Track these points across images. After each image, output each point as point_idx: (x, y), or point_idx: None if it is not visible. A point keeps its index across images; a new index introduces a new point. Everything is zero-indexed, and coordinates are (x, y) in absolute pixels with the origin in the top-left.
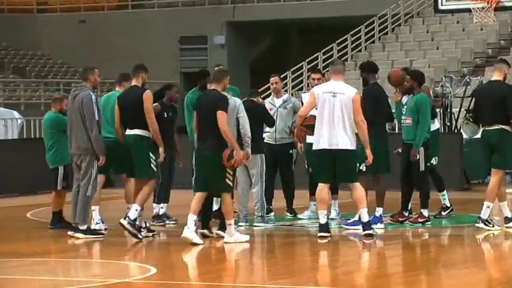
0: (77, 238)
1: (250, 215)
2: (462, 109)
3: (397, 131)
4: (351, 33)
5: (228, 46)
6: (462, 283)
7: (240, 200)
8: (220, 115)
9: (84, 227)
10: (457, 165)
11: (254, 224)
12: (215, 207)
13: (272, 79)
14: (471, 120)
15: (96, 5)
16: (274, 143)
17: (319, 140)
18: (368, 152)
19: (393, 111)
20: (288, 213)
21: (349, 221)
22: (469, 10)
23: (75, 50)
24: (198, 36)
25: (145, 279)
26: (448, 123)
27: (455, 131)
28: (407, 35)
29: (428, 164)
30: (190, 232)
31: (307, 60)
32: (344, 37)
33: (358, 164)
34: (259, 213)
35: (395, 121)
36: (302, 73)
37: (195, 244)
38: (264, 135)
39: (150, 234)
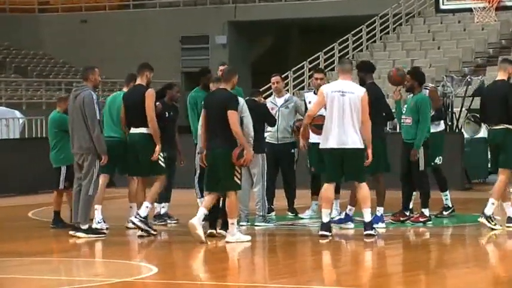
0: (78, 237)
1: (251, 214)
2: (463, 109)
3: (398, 130)
4: (352, 32)
5: (229, 46)
6: (463, 282)
7: (241, 200)
8: (232, 115)
9: (85, 227)
10: (458, 165)
11: (255, 224)
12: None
13: (273, 79)
14: (473, 120)
15: (97, 5)
16: (276, 142)
17: (328, 139)
18: (369, 151)
19: (393, 110)
20: (289, 213)
21: (335, 219)
22: (470, 10)
23: (76, 50)
24: (200, 36)
25: (146, 279)
26: (449, 123)
27: (457, 130)
28: (409, 35)
29: (432, 163)
30: (198, 222)
31: (308, 60)
32: (345, 37)
33: None
34: (261, 213)
35: (396, 120)
36: (303, 73)
37: (199, 238)
38: (266, 134)
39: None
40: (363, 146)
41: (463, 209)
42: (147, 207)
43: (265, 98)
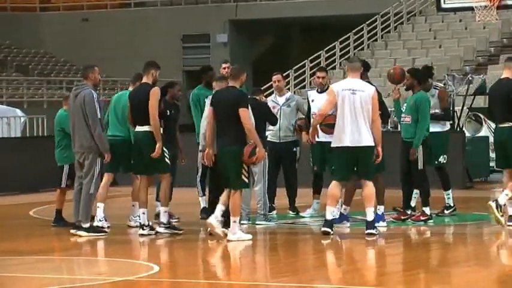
0: (80, 236)
1: (252, 213)
2: (465, 107)
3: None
4: (354, 31)
5: (230, 44)
6: (464, 281)
7: (243, 198)
8: (243, 112)
9: (87, 225)
10: (460, 164)
11: (256, 222)
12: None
13: (275, 77)
14: (475, 118)
15: (98, 3)
16: (278, 141)
17: (342, 138)
18: (379, 149)
19: (391, 109)
20: (290, 212)
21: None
22: (471, 8)
23: (77, 48)
24: (201, 35)
25: (148, 277)
26: (451, 122)
27: (458, 129)
28: (410, 34)
29: (436, 162)
30: (215, 220)
31: (309, 58)
32: (346, 35)
33: None
34: (262, 212)
35: (395, 119)
36: (304, 71)
37: (219, 236)
38: (267, 133)
39: (153, 232)
40: (374, 144)
41: (464, 207)
42: (165, 211)
43: (267, 96)
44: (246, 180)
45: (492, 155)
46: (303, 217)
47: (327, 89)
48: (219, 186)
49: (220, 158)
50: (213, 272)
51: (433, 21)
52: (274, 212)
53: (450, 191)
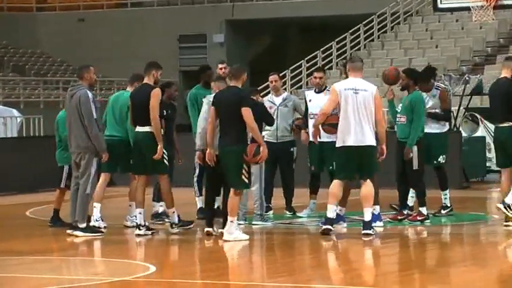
0: (76, 236)
1: (249, 213)
2: (461, 107)
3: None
4: (350, 31)
5: (227, 44)
6: (461, 281)
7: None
8: (246, 111)
9: (83, 225)
10: (456, 164)
11: (253, 223)
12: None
13: (271, 77)
14: (471, 118)
15: (95, 4)
16: (275, 141)
17: (345, 138)
18: (384, 147)
19: (386, 109)
20: (287, 212)
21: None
22: (468, 9)
23: (74, 49)
24: (197, 35)
25: (144, 278)
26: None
27: (455, 129)
28: (407, 34)
29: (435, 161)
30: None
31: (306, 58)
32: (343, 35)
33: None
34: (258, 212)
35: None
36: (301, 71)
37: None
38: (264, 133)
39: (149, 232)
40: (375, 144)
41: (461, 207)
42: (173, 212)
43: (263, 96)
44: (246, 180)
45: (489, 155)
46: (300, 217)
47: (324, 89)
48: (216, 186)
49: (221, 158)
50: (209, 272)
51: (429, 21)
52: (271, 212)
53: (447, 191)
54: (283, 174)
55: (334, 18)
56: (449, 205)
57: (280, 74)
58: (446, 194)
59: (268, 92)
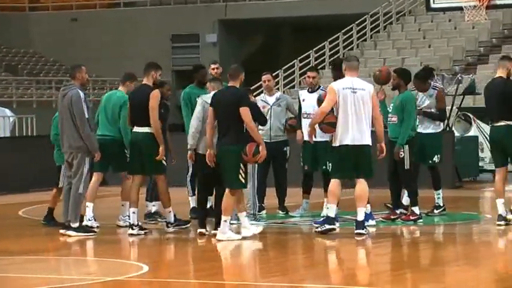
0: (69, 236)
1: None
2: (454, 107)
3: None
4: (343, 31)
5: (219, 44)
6: (454, 280)
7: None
8: (244, 111)
9: (76, 225)
10: (449, 163)
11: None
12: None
13: (264, 77)
14: (464, 118)
15: (87, 3)
16: (269, 140)
17: (343, 136)
18: (383, 145)
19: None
20: (280, 211)
21: (319, 220)
22: (460, 8)
23: (67, 48)
24: (190, 34)
25: (137, 277)
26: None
27: (447, 129)
28: (399, 33)
29: (430, 161)
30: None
31: (299, 58)
32: (336, 35)
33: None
34: (251, 211)
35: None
36: (294, 71)
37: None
38: None
39: (142, 232)
40: (370, 143)
41: (454, 207)
42: (170, 212)
43: (255, 96)
44: (243, 180)
45: (481, 154)
46: (293, 217)
47: (317, 89)
48: (208, 186)
49: (219, 157)
50: (202, 272)
51: (422, 21)
52: (264, 211)
53: (441, 190)
54: (276, 173)
55: (327, 18)
56: (442, 205)
57: (273, 74)
58: (439, 194)
59: (261, 92)
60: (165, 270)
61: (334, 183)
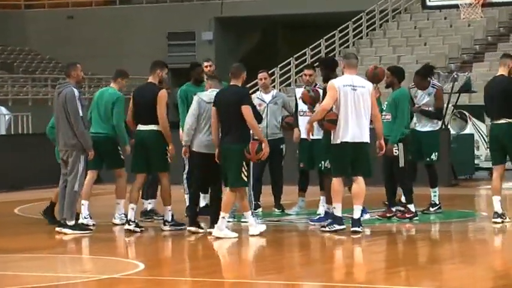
0: (65, 234)
1: (238, 210)
2: (450, 105)
3: None
4: (339, 29)
5: (216, 42)
6: (450, 278)
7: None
8: (246, 109)
9: (71, 223)
10: (445, 161)
11: (242, 220)
12: (202, 203)
13: (260, 75)
14: (460, 116)
15: (83, 1)
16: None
17: (343, 134)
18: (382, 142)
19: None
20: (275, 209)
21: (315, 218)
22: (456, 6)
23: (63, 46)
24: (186, 32)
25: (133, 275)
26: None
27: (443, 126)
28: (395, 31)
29: (428, 159)
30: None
31: (295, 56)
32: (332, 33)
33: (323, 162)
34: None
35: None
36: (290, 69)
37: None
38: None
39: (138, 229)
40: (368, 141)
41: (450, 205)
42: (169, 210)
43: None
44: (245, 178)
45: (477, 152)
46: (289, 215)
47: (314, 87)
48: (203, 185)
49: (222, 156)
50: (198, 270)
51: (418, 19)
52: (260, 209)
53: (437, 188)
54: (272, 171)
55: (323, 15)
56: (438, 203)
57: (269, 72)
58: (435, 192)
59: (257, 90)
60: (160, 268)
61: (336, 182)
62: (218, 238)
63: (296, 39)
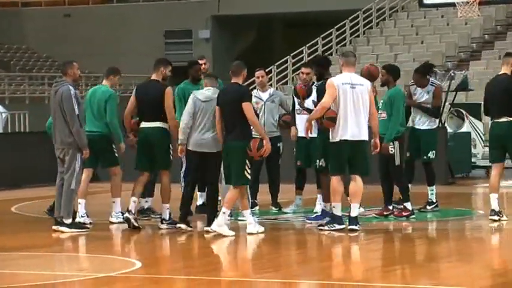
0: (62, 232)
1: (234, 209)
2: (446, 103)
3: None
4: (336, 27)
5: (212, 40)
6: (446, 276)
7: (224, 194)
8: (246, 106)
9: (68, 221)
10: (442, 159)
11: (239, 218)
12: (199, 201)
13: (258, 73)
14: (457, 114)
15: None
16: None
17: (343, 132)
18: (377, 141)
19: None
20: (272, 207)
21: (312, 216)
22: (453, 4)
23: (59, 44)
24: (183, 30)
25: (129, 273)
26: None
27: (440, 125)
28: (392, 29)
29: (425, 157)
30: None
31: (292, 54)
32: (329, 31)
33: (318, 160)
34: None
35: None
36: (287, 67)
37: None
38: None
39: (136, 224)
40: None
41: (446, 203)
42: (167, 209)
43: None
44: (249, 176)
45: (474, 150)
46: (286, 213)
47: (312, 85)
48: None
49: (225, 153)
50: (194, 268)
51: (415, 17)
52: (257, 207)
53: (434, 186)
54: (269, 169)
55: (319, 13)
56: (435, 201)
57: (266, 70)
58: (432, 190)
59: (254, 88)
60: (158, 266)
61: (334, 181)
62: (215, 235)
63: (293, 37)
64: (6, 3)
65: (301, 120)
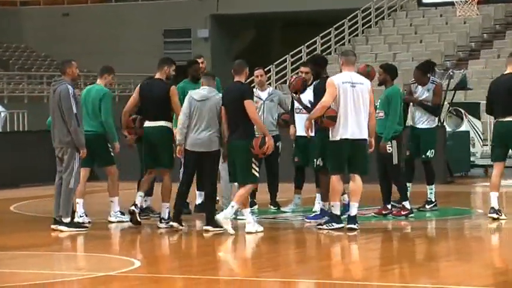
0: (61, 231)
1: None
2: (445, 102)
3: None
4: (335, 26)
5: (211, 39)
6: (445, 275)
7: (224, 193)
8: (248, 104)
9: (67, 220)
10: (441, 158)
11: (238, 217)
12: (198, 200)
13: (256, 72)
14: (455, 113)
15: None
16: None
17: (343, 131)
18: (372, 140)
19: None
20: (271, 206)
21: (311, 215)
22: (452, 3)
23: (58, 43)
24: (182, 30)
25: (128, 273)
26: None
27: (439, 124)
28: (391, 28)
29: (424, 156)
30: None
31: (290, 53)
32: (327, 30)
33: (316, 159)
34: None
35: None
36: (285, 66)
37: (227, 232)
38: None
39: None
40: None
41: (445, 202)
42: (167, 208)
43: None
44: (257, 174)
45: (473, 149)
46: (284, 212)
47: (310, 84)
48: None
49: (230, 152)
50: (193, 267)
51: (414, 16)
52: (256, 206)
53: (433, 185)
54: (268, 168)
55: (318, 13)
56: (434, 200)
57: (265, 69)
58: (432, 189)
59: (253, 87)
60: (156, 265)
61: (334, 180)
62: (214, 234)
63: (292, 36)
64: (5, 2)
65: (300, 119)
